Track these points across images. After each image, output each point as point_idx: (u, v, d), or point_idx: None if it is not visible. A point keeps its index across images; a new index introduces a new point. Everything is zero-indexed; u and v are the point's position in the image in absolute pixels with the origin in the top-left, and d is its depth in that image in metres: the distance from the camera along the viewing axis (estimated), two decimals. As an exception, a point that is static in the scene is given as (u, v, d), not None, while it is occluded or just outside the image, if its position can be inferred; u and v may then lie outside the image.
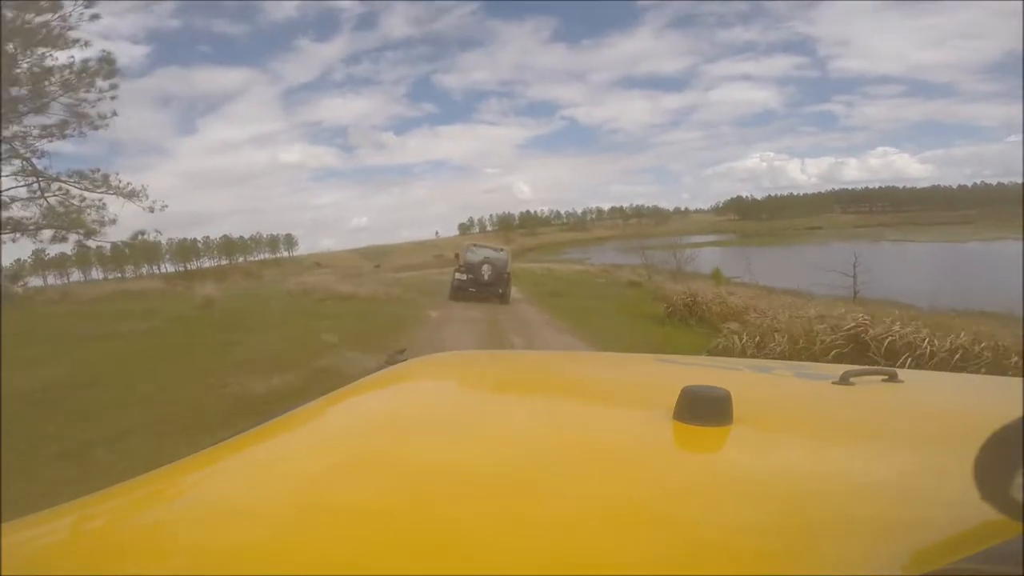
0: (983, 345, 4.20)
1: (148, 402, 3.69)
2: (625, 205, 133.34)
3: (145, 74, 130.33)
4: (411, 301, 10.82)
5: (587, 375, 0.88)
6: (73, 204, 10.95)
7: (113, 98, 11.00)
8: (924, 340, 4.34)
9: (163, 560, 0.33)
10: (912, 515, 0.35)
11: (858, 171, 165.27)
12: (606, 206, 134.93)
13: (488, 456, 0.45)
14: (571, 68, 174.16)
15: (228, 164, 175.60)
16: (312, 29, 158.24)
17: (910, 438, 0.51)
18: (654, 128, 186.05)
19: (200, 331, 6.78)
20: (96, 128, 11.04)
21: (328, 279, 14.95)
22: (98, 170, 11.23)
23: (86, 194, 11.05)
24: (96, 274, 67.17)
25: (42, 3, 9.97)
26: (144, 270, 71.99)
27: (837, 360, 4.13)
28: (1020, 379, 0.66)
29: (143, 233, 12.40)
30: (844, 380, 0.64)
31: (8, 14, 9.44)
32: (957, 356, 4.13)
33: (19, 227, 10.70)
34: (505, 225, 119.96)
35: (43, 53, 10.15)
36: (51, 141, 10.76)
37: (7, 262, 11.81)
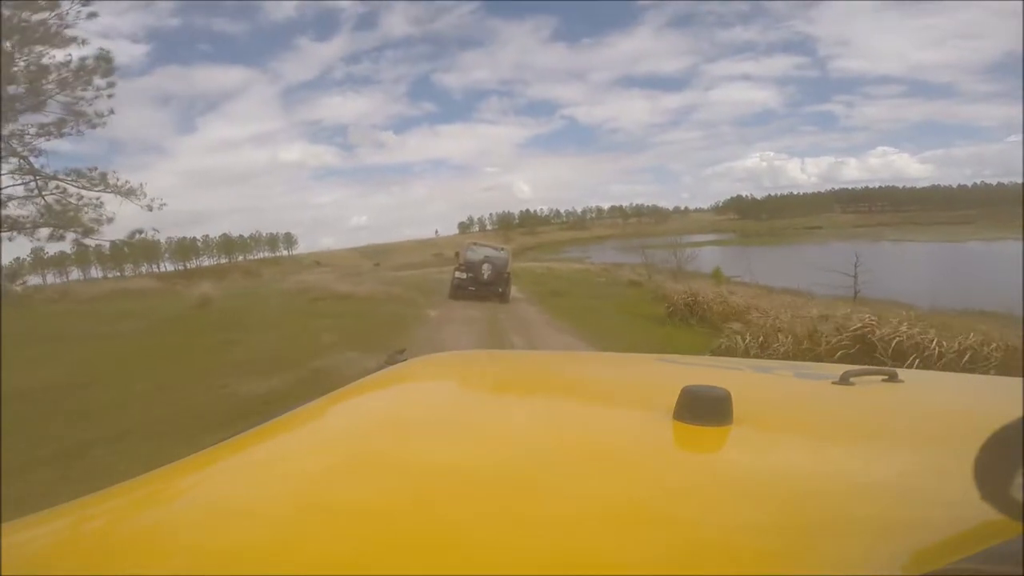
0: (993, 346, 4.15)
1: (147, 402, 3.68)
2: (625, 204, 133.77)
3: (145, 73, 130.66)
4: (411, 300, 10.81)
5: (587, 375, 0.88)
6: (70, 203, 10.92)
7: (110, 96, 10.98)
8: (932, 341, 4.29)
9: (163, 560, 0.32)
10: (912, 515, 0.35)
11: (858, 171, 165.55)
12: (606, 205, 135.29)
13: (488, 456, 0.45)
14: (571, 67, 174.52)
15: (228, 163, 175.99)
16: (312, 28, 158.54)
17: (910, 438, 0.51)
18: (654, 128, 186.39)
19: (199, 330, 6.78)
20: (94, 126, 11.02)
21: (328, 278, 14.95)
22: (95, 168, 11.21)
23: (83, 192, 11.02)
24: (95, 273, 67.23)
25: (40, 2, 9.96)
26: (144, 269, 72.05)
27: (843, 361, 4.11)
28: (1020, 379, 0.66)
29: (141, 232, 12.37)
30: (844, 380, 0.64)
31: (5, 12, 9.42)
32: (966, 358, 4.08)
33: (16, 226, 10.68)
34: (505, 224, 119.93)
35: (40, 51, 10.15)
36: (49, 140, 10.75)
37: (5, 261, 11.81)
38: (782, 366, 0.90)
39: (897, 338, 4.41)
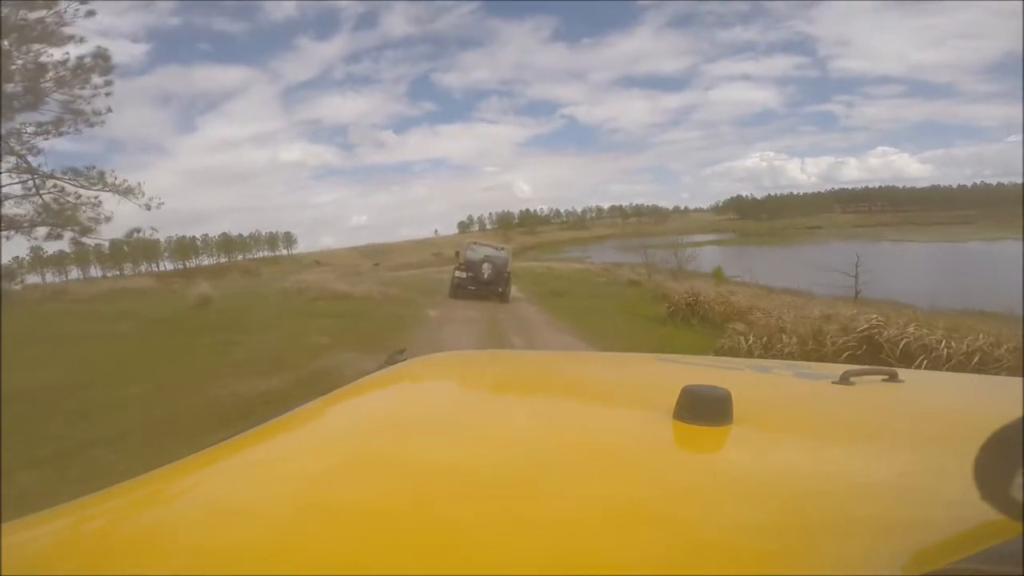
0: (1004, 348, 4.06)
1: (147, 402, 3.68)
2: (625, 204, 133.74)
3: (145, 72, 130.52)
4: (410, 300, 10.81)
5: (587, 375, 0.88)
6: (68, 201, 10.89)
7: (108, 95, 10.96)
8: (940, 342, 4.21)
9: (163, 560, 0.32)
10: (912, 515, 0.35)
11: (858, 171, 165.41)
12: (606, 205, 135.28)
13: (488, 456, 0.45)
14: (571, 67, 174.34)
15: (228, 162, 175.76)
16: (312, 28, 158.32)
17: (910, 438, 0.51)
18: (654, 127, 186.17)
19: (199, 330, 6.78)
20: (92, 125, 10.99)
21: (327, 278, 14.94)
22: (93, 167, 11.18)
23: (81, 191, 11.00)
24: (95, 272, 67.21)
25: (38, 0, 9.94)
26: (143, 268, 72.04)
27: (850, 363, 4.04)
28: (1020, 379, 0.66)
29: (139, 231, 12.36)
30: (844, 380, 0.64)
31: (4, 10, 9.41)
32: (975, 359, 3.99)
33: (13, 224, 10.66)
34: (505, 223, 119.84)
35: (38, 49, 10.13)
36: (47, 138, 10.73)
37: (4, 260, 11.80)
38: (782, 366, 0.90)
39: (905, 339, 4.33)
